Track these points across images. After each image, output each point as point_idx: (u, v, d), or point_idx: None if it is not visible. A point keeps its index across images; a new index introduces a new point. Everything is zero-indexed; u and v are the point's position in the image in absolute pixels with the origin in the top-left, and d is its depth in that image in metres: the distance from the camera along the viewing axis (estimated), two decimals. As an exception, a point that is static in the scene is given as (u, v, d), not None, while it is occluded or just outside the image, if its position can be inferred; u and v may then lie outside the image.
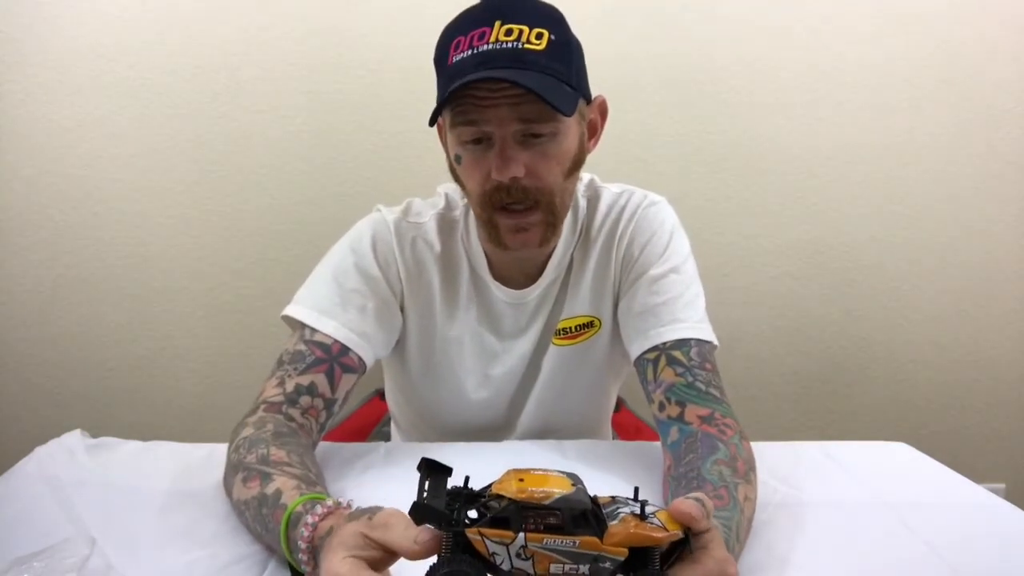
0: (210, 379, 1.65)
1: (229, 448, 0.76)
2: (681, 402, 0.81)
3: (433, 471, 0.48)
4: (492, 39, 0.75)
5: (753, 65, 1.57)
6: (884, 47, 1.58)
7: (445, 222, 0.95)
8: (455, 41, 0.77)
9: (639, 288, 0.90)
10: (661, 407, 0.83)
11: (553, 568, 0.43)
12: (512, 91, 0.75)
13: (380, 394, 1.22)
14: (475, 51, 0.75)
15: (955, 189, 1.65)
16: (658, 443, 0.86)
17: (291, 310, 0.87)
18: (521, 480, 0.44)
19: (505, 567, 0.44)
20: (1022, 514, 0.77)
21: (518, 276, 0.94)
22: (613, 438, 1.16)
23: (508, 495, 0.44)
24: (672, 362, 0.83)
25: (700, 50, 1.56)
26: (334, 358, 0.84)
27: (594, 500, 0.46)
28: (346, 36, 1.51)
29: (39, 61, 1.48)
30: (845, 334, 1.72)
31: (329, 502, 0.59)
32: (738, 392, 0.96)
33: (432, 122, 0.81)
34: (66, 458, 0.84)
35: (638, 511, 0.46)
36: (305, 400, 0.81)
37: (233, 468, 0.73)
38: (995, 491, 0.83)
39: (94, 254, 1.58)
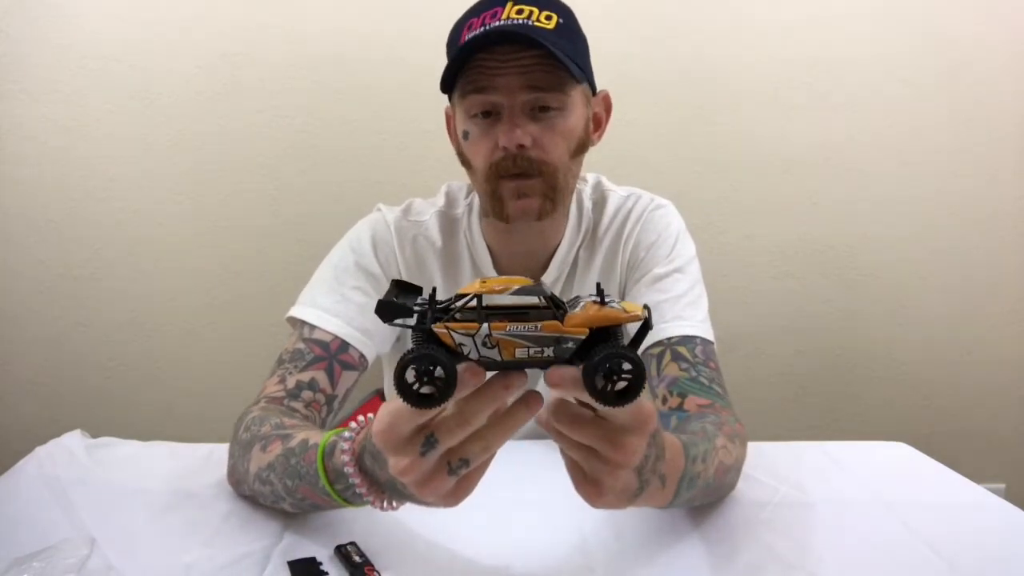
0: (210, 379, 1.65)
1: (236, 434, 0.76)
2: (683, 394, 0.82)
3: (403, 290, 0.49)
4: (504, 16, 0.78)
5: (753, 65, 1.57)
6: (885, 47, 1.58)
7: (447, 219, 0.96)
8: (468, 23, 0.81)
9: (643, 286, 0.91)
10: (664, 401, 0.84)
11: (519, 353, 0.45)
12: (522, 61, 0.77)
13: (380, 394, 1.21)
14: (487, 27, 0.78)
15: (955, 189, 1.65)
16: (658, 443, 0.86)
17: (294, 311, 0.88)
18: (483, 282, 0.46)
19: (473, 357, 0.45)
20: (1022, 514, 0.77)
21: (522, 272, 0.94)
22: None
23: (471, 292, 0.46)
24: (677, 357, 0.84)
25: (701, 50, 1.56)
26: (333, 355, 0.84)
27: (555, 296, 0.48)
28: (346, 36, 1.51)
29: (39, 61, 1.48)
30: (845, 334, 1.72)
31: (354, 425, 0.59)
32: (738, 392, 0.96)
33: (443, 87, 0.83)
34: (66, 458, 0.84)
35: (598, 300, 0.47)
36: (307, 395, 0.82)
37: (246, 446, 0.73)
38: (995, 491, 0.83)
39: (94, 254, 1.58)
